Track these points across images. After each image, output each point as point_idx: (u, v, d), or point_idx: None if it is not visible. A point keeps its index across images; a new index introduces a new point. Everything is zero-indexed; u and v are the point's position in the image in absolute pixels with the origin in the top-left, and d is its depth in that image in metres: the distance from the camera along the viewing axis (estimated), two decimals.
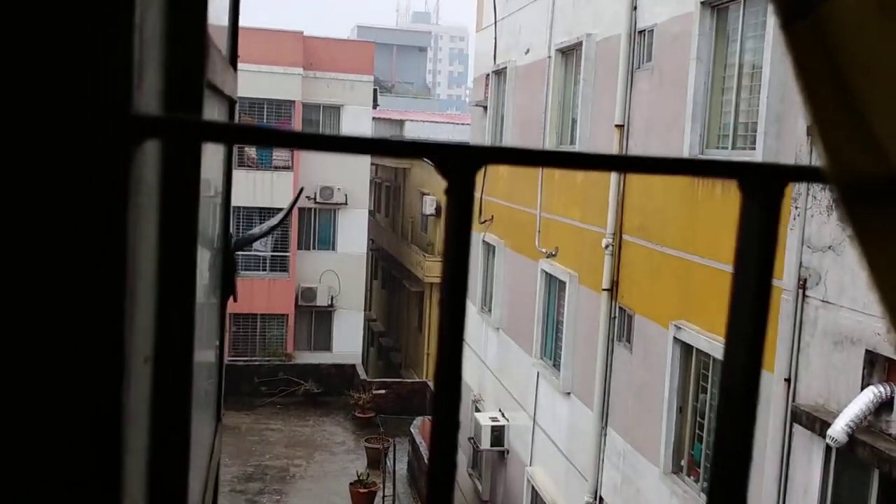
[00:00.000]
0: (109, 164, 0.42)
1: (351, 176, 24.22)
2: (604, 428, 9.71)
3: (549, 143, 11.66)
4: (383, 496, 15.86)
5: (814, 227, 6.06)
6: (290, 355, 23.72)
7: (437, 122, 31.51)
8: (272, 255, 24.05)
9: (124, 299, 0.44)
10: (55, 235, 0.42)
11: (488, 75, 14.69)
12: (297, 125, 23.60)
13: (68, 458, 0.44)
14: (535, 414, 11.96)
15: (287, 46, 23.58)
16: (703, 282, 7.50)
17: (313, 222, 24.64)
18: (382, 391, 20.94)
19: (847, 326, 5.68)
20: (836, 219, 5.60)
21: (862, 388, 5.46)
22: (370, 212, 26.68)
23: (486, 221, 14.22)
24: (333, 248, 24.73)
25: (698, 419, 7.93)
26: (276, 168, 23.58)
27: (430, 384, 16.38)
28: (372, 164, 26.82)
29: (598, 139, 10.15)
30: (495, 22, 14.13)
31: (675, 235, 8.21)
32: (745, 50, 7.40)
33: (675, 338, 8.05)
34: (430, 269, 21.51)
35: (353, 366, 23.28)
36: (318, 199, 24.06)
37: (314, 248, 24.63)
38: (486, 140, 14.72)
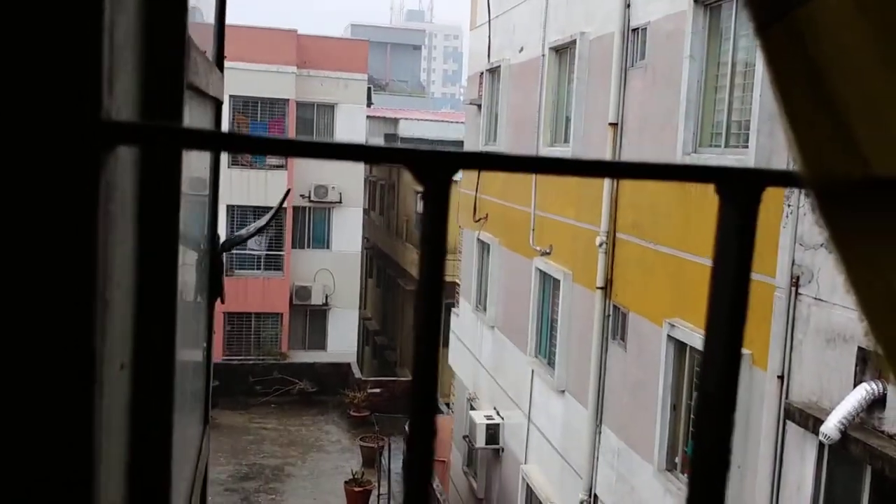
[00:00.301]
0: (78, 170, 0.41)
1: (345, 175, 24.19)
2: (598, 426, 9.73)
3: (543, 142, 11.66)
4: (378, 495, 15.86)
5: (806, 226, 6.08)
6: (285, 354, 23.69)
7: (431, 120, 31.49)
8: (266, 254, 24.01)
9: (94, 305, 0.44)
10: (21, 241, 0.42)
11: (482, 74, 14.68)
12: (291, 124, 23.57)
13: (37, 466, 0.43)
14: (529, 412, 11.98)
15: (281, 45, 23.53)
16: (697, 280, 7.51)
17: (308, 221, 24.61)
18: (377, 390, 20.93)
19: (839, 324, 5.70)
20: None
21: (854, 386, 5.48)
22: (365, 210, 26.65)
23: (480, 220, 14.22)
24: (328, 247, 24.70)
25: (692, 417, 7.95)
26: (271, 167, 23.53)
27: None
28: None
29: (591, 138, 10.16)
30: (489, 20, 14.12)
31: (668, 233, 8.23)
32: (738, 48, 7.41)
33: (668, 335, 8.07)
34: None
35: (348, 364, 23.27)
36: (312, 198, 24.03)
37: (308, 246, 24.60)
38: (480, 138, 14.72)
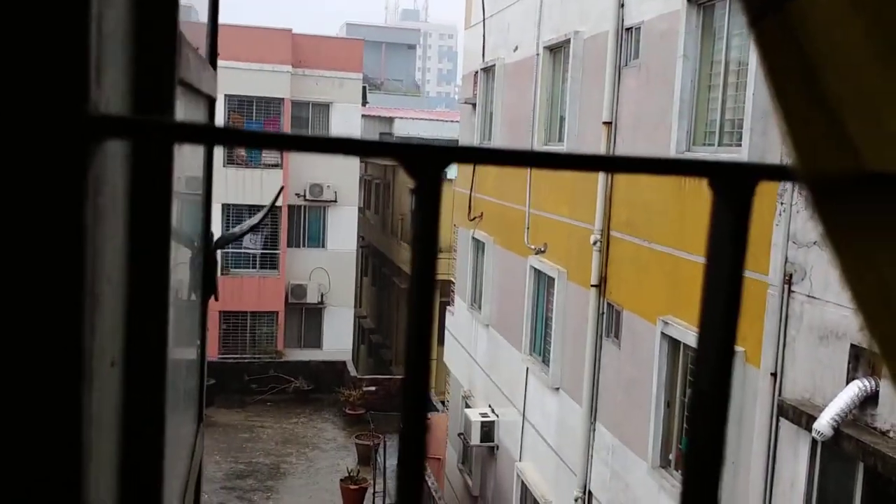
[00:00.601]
0: (65, 164, 0.41)
1: (340, 173, 24.17)
2: (592, 423, 9.74)
3: (538, 141, 11.67)
4: (374, 492, 15.86)
5: (799, 223, 6.10)
6: (281, 352, 23.67)
7: (426, 119, 31.48)
8: (262, 253, 23.98)
9: (83, 300, 0.43)
10: (7, 235, 0.41)
11: (477, 73, 14.67)
12: (286, 123, 23.53)
13: (25, 463, 0.43)
14: (524, 410, 11.99)
15: (276, 44, 23.48)
16: (691, 277, 7.53)
17: (303, 220, 24.58)
18: (373, 388, 20.93)
19: (832, 321, 5.72)
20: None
21: (847, 383, 5.50)
22: (360, 209, 26.63)
23: (475, 218, 14.22)
24: (323, 246, 24.68)
25: (686, 414, 7.97)
26: (266, 165, 23.50)
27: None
28: (361, 161, 26.77)
29: (586, 136, 10.17)
30: (484, 19, 14.11)
31: (662, 231, 8.24)
32: (731, 47, 7.42)
33: (662, 333, 8.08)
34: None
35: (344, 363, 23.26)
36: (307, 197, 24.00)
37: (304, 245, 24.57)
38: (475, 137, 14.72)
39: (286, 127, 23.36)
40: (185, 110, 1.14)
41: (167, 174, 0.75)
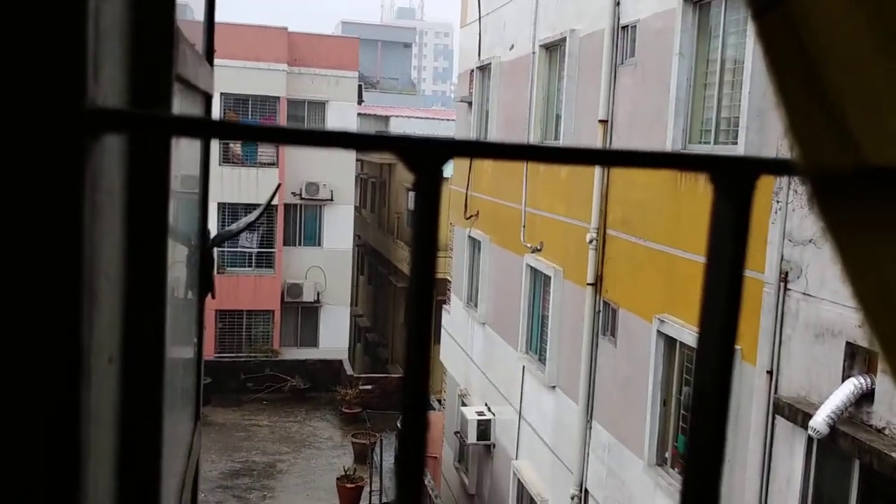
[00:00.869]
0: (62, 158, 0.41)
1: (336, 172, 24.16)
2: (589, 421, 9.75)
3: (534, 139, 11.67)
4: (370, 491, 15.86)
5: (795, 221, 6.11)
6: (277, 351, 23.66)
7: (422, 117, 31.47)
8: (258, 252, 23.97)
9: (81, 296, 0.43)
10: (5, 231, 0.41)
11: (473, 71, 14.67)
12: (282, 121, 23.49)
13: (23, 459, 0.42)
14: (520, 408, 12.00)
15: (271, 42, 23.46)
16: (687, 275, 7.54)
17: (299, 218, 24.57)
18: (369, 386, 20.92)
19: (828, 319, 5.73)
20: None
21: (843, 380, 5.51)
22: (356, 208, 26.62)
23: (471, 217, 14.22)
24: (319, 244, 24.67)
25: (682, 412, 7.98)
26: (262, 164, 23.48)
27: None
28: (357, 159, 26.76)
29: (582, 134, 10.17)
30: (479, 18, 14.11)
31: (658, 230, 8.25)
32: (727, 45, 7.43)
33: (658, 331, 8.09)
34: None
35: (340, 361, 23.25)
36: (303, 195, 23.98)
37: (300, 244, 24.56)
38: (471, 135, 14.71)
39: (282, 125, 23.32)
40: (181, 106, 1.13)
41: (165, 169, 0.74)
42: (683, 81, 7.89)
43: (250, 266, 23.94)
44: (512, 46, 12.83)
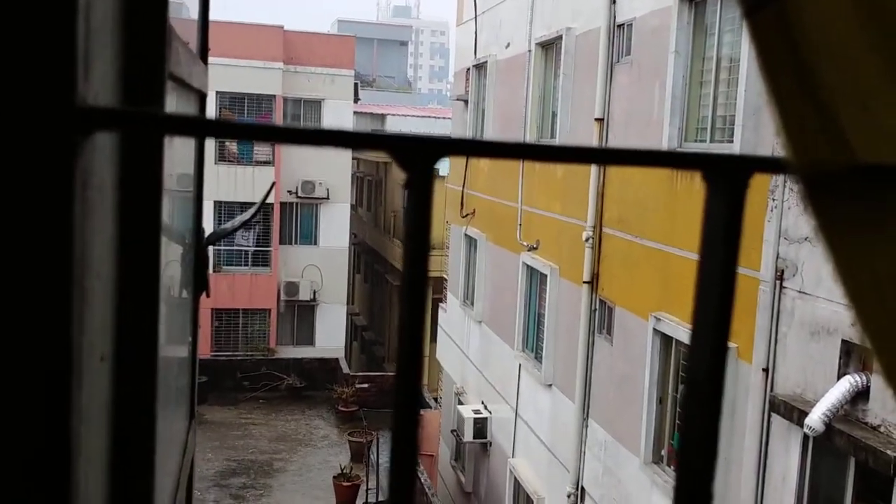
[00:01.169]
0: (52, 156, 0.40)
1: (332, 170, 24.14)
2: (585, 419, 9.76)
3: (530, 137, 11.67)
4: (367, 489, 15.86)
5: (790, 219, 6.12)
6: (273, 350, 23.65)
7: (418, 116, 31.46)
8: (254, 250, 23.94)
9: (71, 295, 0.43)
10: None
11: (469, 69, 14.66)
12: (278, 120, 23.47)
13: (12, 459, 0.42)
14: (517, 406, 12.01)
15: (267, 41, 23.42)
16: (683, 273, 7.55)
17: (295, 217, 24.54)
18: (365, 385, 20.92)
19: (824, 317, 5.74)
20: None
21: (838, 378, 5.53)
22: (352, 206, 26.60)
23: (468, 215, 14.22)
24: (315, 243, 24.65)
25: (678, 410, 8.00)
26: (258, 163, 23.45)
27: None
28: (353, 158, 26.75)
29: (578, 133, 10.18)
30: (475, 16, 14.10)
31: (654, 228, 8.26)
32: (722, 43, 7.44)
33: (654, 329, 8.10)
34: None
35: (336, 360, 23.24)
36: (299, 194, 23.96)
37: (296, 242, 24.54)
38: (467, 134, 14.71)
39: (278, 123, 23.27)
40: (175, 105, 1.13)
41: (157, 167, 0.74)
42: (679, 79, 7.89)
43: (247, 265, 23.92)
44: (508, 45, 12.83)
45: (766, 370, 6.33)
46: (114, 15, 0.60)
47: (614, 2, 9.22)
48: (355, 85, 25.26)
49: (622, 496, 8.80)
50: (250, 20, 25.81)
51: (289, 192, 23.74)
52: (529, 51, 11.76)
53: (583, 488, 9.81)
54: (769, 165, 0.50)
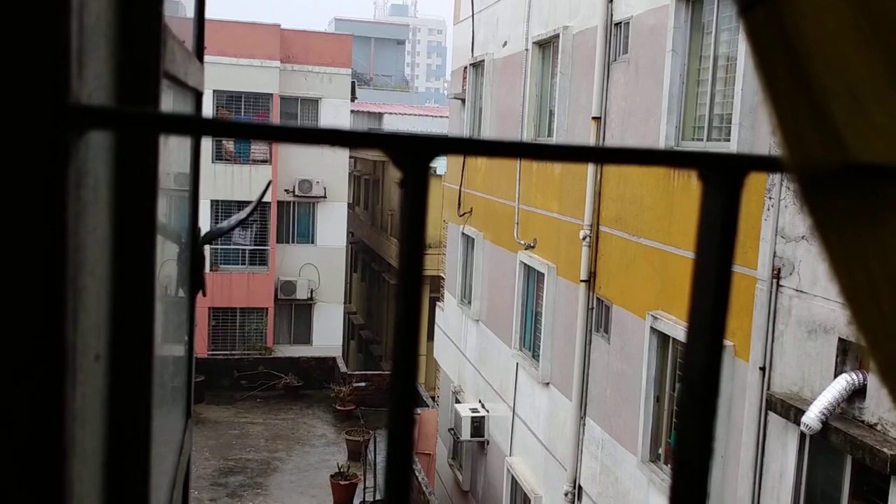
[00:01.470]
0: (45, 155, 0.40)
1: (330, 169, 24.13)
2: (582, 418, 9.77)
3: (527, 136, 11.67)
4: (364, 488, 15.86)
5: (787, 218, 6.13)
6: (270, 349, 23.64)
7: (415, 114, 31.45)
8: (251, 249, 23.93)
9: (65, 294, 0.43)
10: None
11: (466, 68, 14.66)
12: (275, 118, 23.44)
13: (5, 460, 0.42)
14: (514, 404, 12.01)
15: (264, 39, 23.39)
16: (680, 272, 7.56)
17: (292, 216, 24.53)
18: (363, 384, 20.92)
19: (820, 315, 5.75)
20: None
21: (835, 376, 5.54)
22: (349, 205, 26.59)
23: (465, 214, 14.22)
24: (313, 242, 24.64)
25: (675, 408, 8.00)
26: (255, 161, 23.43)
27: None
28: (350, 157, 26.73)
29: (575, 131, 10.18)
30: (472, 15, 14.09)
31: (651, 226, 8.26)
32: (719, 42, 7.44)
33: (651, 328, 8.11)
34: None
35: (334, 359, 23.24)
36: (296, 193, 23.94)
37: (293, 241, 24.53)
38: (464, 132, 14.71)
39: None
40: (171, 103, 1.13)
41: (152, 166, 0.74)
42: (676, 78, 7.90)
43: (244, 263, 23.91)
44: (505, 43, 12.83)
45: (763, 368, 6.34)
46: (108, 13, 0.60)
47: (611, 0, 9.22)
48: (352, 83, 25.25)
49: (619, 494, 8.81)
50: (247, 19, 25.78)
51: (286, 190, 23.73)
52: (526, 49, 11.76)
53: (580, 487, 9.82)
54: (764, 164, 0.51)
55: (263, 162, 23.46)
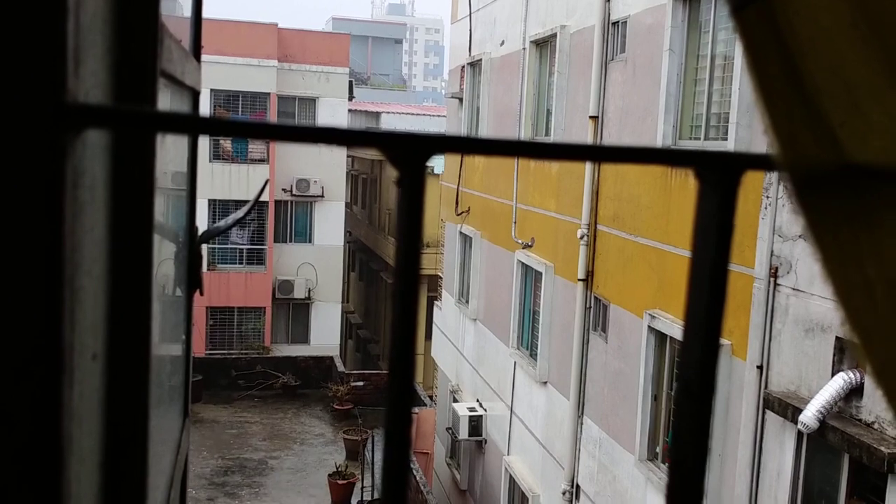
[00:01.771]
0: (41, 154, 0.40)
1: (327, 168, 24.12)
2: (580, 416, 9.78)
3: (525, 135, 11.67)
4: (362, 487, 15.86)
5: (784, 217, 6.13)
6: (268, 348, 23.62)
7: (413, 113, 31.43)
8: (249, 248, 23.91)
9: (62, 294, 0.43)
10: None
11: (464, 67, 14.65)
12: (272, 118, 23.42)
13: (2, 459, 0.42)
14: (512, 403, 12.02)
15: (262, 38, 23.37)
16: (677, 271, 7.56)
17: (290, 215, 24.51)
18: (360, 383, 20.91)
19: (818, 314, 5.76)
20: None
21: (832, 375, 5.55)
22: (347, 204, 26.57)
23: (462, 213, 14.22)
24: (310, 241, 24.63)
25: (673, 407, 8.01)
26: (252, 161, 23.41)
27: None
28: (348, 156, 26.70)
29: (572, 130, 10.18)
30: (470, 14, 14.09)
31: (648, 225, 8.27)
32: (717, 41, 7.45)
33: (649, 327, 8.12)
34: None
35: (331, 358, 23.23)
36: (294, 192, 23.93)
37: (291, 240, 24.52)
38: (462, 131, 14.70)
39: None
40: (168, 102, 1.13)
41: (149, 165, 0.74)
42: (673, 77, 7.90)
43: (241, 263, 23.89)
44: (502, 42, 12.82)
45: (760, 367, 6.35)
46: (105, 11, 0.60)
47: (609, 0, 9.23)
48: (350, 83, 25.24)
49: (617, 493, 8.82)
50: (244, 18, 25.75)
51: (283, 190, 23.71)
52: (524, 48, 11.76)
53: (578, 485, 9.83)
54: (761, 162, 0.51)
55: (261, 161, 23.44)
